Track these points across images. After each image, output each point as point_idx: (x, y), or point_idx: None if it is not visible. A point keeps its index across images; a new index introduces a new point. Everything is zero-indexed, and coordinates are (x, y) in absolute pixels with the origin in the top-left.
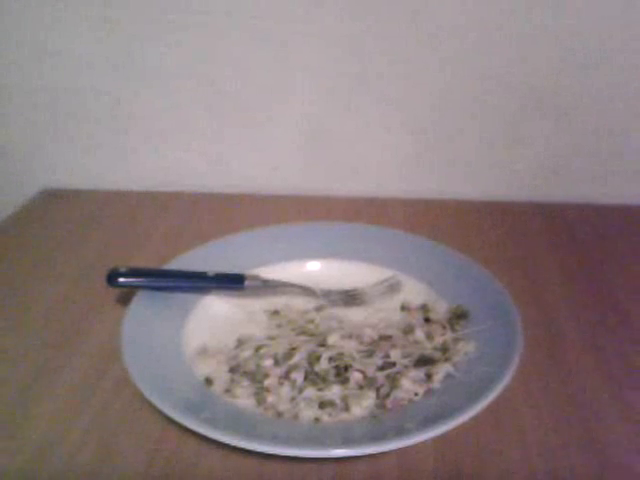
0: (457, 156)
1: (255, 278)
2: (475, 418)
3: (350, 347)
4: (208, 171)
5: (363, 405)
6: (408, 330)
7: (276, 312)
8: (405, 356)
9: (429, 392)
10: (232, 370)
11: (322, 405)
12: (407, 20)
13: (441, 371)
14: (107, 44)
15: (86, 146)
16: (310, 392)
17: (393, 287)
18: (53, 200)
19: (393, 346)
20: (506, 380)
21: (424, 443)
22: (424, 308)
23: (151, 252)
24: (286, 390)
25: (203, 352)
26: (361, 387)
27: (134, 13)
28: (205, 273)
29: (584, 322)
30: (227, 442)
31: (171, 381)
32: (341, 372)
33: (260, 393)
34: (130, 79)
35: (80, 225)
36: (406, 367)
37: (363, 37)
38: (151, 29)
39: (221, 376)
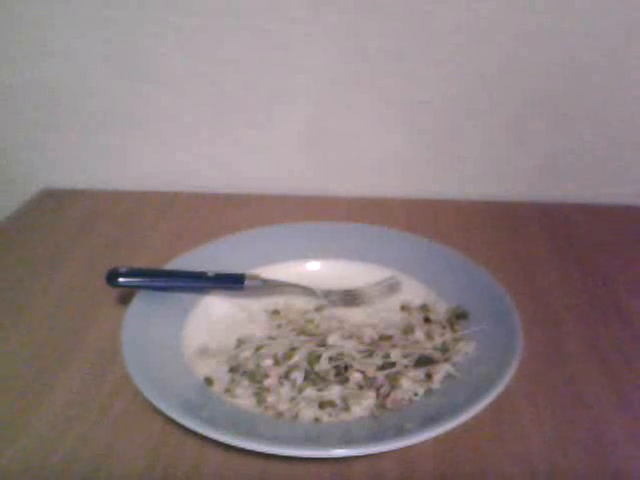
0: (457, 156)
1: (255, 278)
2: (475, 418)
3: (350, 347)
4: (208, 171)
5: (363, 405)
6: (408, 330)
7: (276, 312)
8: (405, 356)
9: (429, 392)
10: (232, 370)
11: (322, 405)
12: (407, 20)
13: (441, 371)
14: (107, 44)
15: (86, 146)
16: (310, 392)
17: (393, 287)
18: (53, 200)
19: (393, 346)
20: (506, 380)
21: (424, 443)
22: (424, 308)
23: (151, 252)
24: (286, 390)
25: (203, 352)
26: (361, 387)
27: (134, 13)
28: (205, 273)
29: (584, 322)
30: (227, 442)
31: (171, 381)
32: (341, 372)
33: (260, 393)
34: (130, 79)
35: (80, 225)
36: (406, 367)
37: (363, 37)
38: (152, 29)
39: (221, 376)
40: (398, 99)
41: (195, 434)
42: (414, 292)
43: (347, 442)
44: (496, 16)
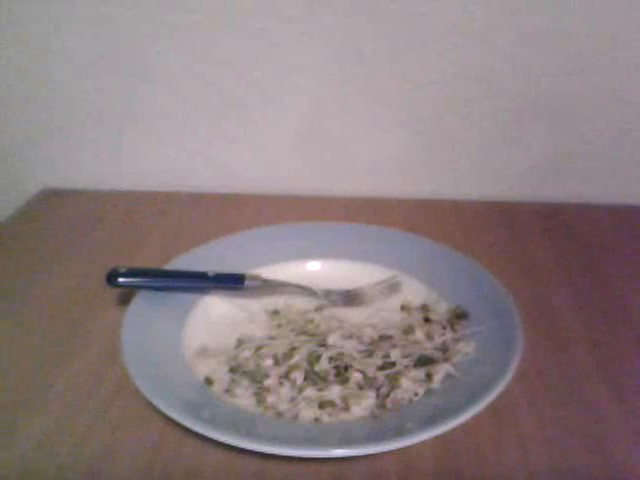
0: (456, 156)
1: (255, 278)
2: (475, 418)
3: (350, 347)
4: (204, 171)
5: (363, 405)
6: (408, 330)
7: (276, 312)
8: (405, 356)
9: (429, 392)
10: (232, 370)
11: (322, 405)
12: (405, 20)
13: (441, 371)
14: (106, 44)
15: (86, 146)
16: (310, 392)
17: (393, 287)
18: (53, 200)
19: (393, 346)
20: (506, 380)
21: (424, 443)
22: (424, 308)
23: (151, 252)
24: (286, 390)
25: (203, 352)
26: (361, 387)
27: (132, 12)
28: (205, 273)
29: (584, 322)
30: (227, 442)
31: (171, 381)
32: (341, 372)
33: (260, 393)
34: (128, 79)
35: (80, 225)
36: (406, 367)
37: (361, 37)
38: (149, 28)
39: (221, 376)
40: (396, 99)
41: (195, 434)
42: (414, 292)
43: (347, 442)
44: (494, 18)
